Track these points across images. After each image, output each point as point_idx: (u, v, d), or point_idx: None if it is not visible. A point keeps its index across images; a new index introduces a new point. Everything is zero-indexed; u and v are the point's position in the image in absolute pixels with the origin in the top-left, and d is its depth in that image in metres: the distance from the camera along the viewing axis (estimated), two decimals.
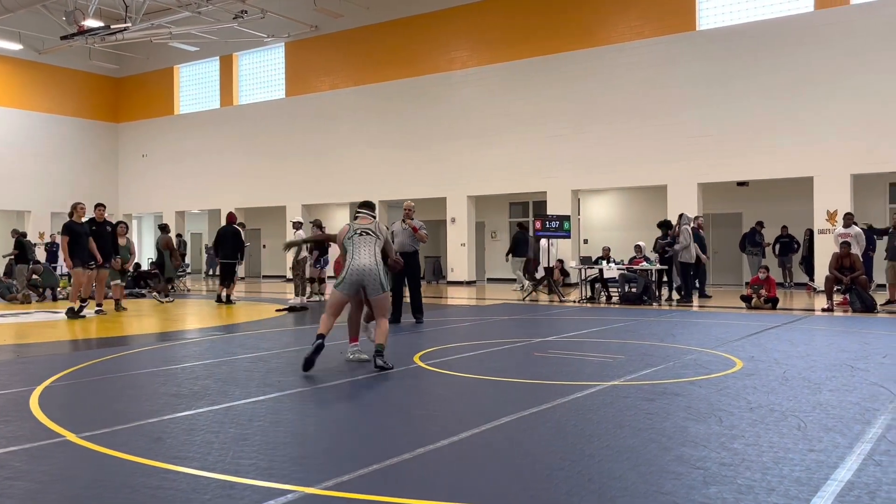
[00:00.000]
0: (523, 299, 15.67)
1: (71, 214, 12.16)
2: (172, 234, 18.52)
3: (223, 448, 3.87)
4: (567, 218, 16.74)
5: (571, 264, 18.60)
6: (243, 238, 15.25)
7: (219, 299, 14.80)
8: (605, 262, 15.03)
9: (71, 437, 4.12)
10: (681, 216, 14.73)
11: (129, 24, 21.77)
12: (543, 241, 16.84)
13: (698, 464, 3.55)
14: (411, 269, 10.57)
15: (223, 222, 21.33)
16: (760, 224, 18.81)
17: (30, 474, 3.45)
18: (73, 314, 11.64)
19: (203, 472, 3.46)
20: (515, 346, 8.06)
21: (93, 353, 7.73)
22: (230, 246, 14.83)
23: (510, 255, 18.84)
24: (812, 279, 17.47)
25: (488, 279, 24.06)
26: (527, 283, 17.87)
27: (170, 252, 16.47)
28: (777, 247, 18.79)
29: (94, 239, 12.20)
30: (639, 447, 3.87)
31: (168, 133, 28.93)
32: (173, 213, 28.47)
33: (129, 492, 3.19)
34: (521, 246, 18.37)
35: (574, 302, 14.76)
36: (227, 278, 14.82)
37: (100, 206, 12.78)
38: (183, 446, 3.94)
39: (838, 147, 16.81)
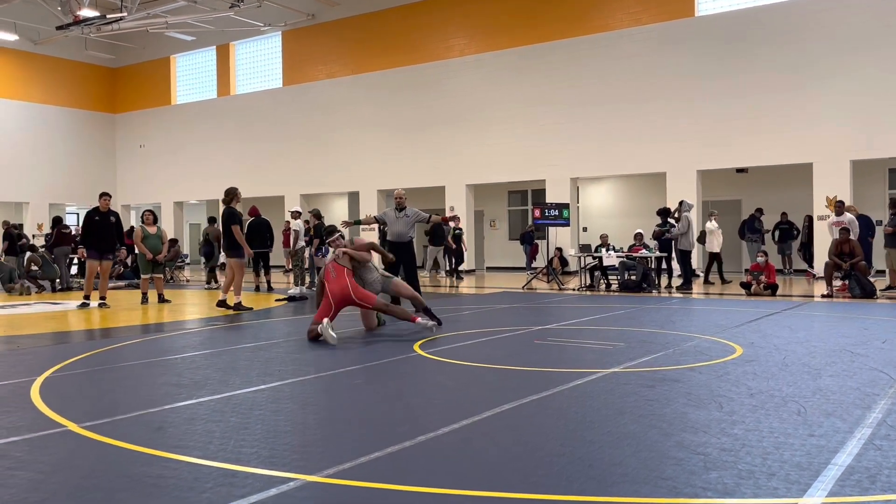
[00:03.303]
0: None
1: (230, 201, 11.43)
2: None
3: (224, 437, 3.88)
4: (566, 206, 16.72)
5: (570, 252, 18.61)
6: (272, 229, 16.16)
7: (257, 288, 15.38)
8: (604, 250, 15.02)
9: (72, 426, 4.12)
10: (681, 203, 14.72)
11: (125, 14, 21.66)
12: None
13: (699, 449, 3.55)
14: (407, 258, 10.52)
15: (221, 212, 21.37)
16: (760, 211, 18.81)
17: (31, 464, 3.46)
18: (239, 307, 11.13)
19: (204, 460, 3.46)
20: (515, 335, 8.07)
21: (94, 344, 7.73)
22: (261, 237, 15.50)
23: (428, 246, 20.33)
24: (811, 266, 17.49)
25: (488, 268, 24.08)
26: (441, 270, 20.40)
27: (217, 243, 17.05)
28: (776, 233, 18.80)
29: (98, 230, 11.93)
30: (639, 433, 3.87)
31: (165, 123, 28.84)
32: (171, 203, 28.43)
33: (131, 481, 3.19)
34: (438, 236, 19.67)
35: (573, 290, 14.77)
36: (265, 268, 15.61)
37: (105, 196, 12.24)
38: (184, 435, 3.94)
39: (838, 133, 16.78)
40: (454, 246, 19.47)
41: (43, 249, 17.59)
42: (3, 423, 4.23)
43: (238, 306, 11.22)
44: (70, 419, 4.27)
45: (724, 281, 15.58)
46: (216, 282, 17.05)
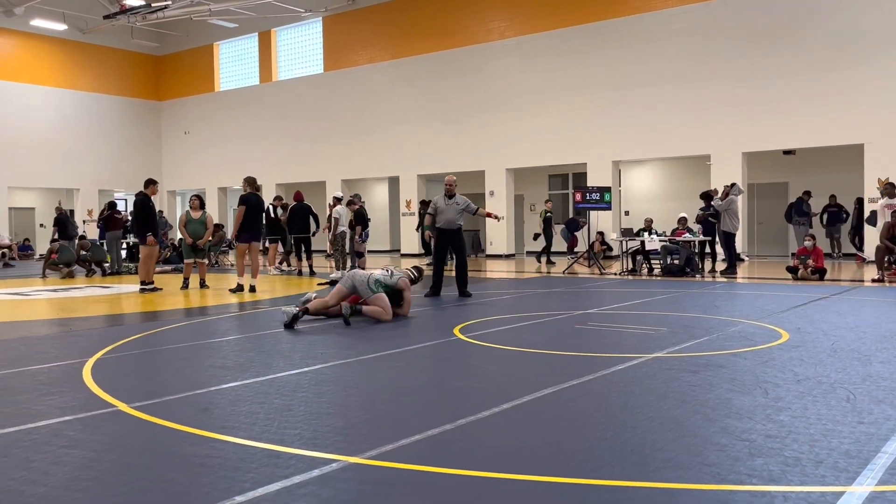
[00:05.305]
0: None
1: (257, 186, 11.89)
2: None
3: (268, 418, 3.95)
4: (608, 189, 16.53)
5: (612, 236, 18.42)
6: (316, 214, 16.30)
7: (299, 273, 15.66)
8: (646, 234, 14.84)
9: (123, 407, 4.24)
10: (732, 185, 14.43)
11: (170, 2, 21.98)
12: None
13: (743, 436, 3.50)
14: (457, 244, 10.58)
15: (265, 198, 21.53)
16: (808, 194, 18.35)
17: (84, 443, 3.57)
18: (239, 288, 11.65)
19: (250, 441, 3.53)
20: (556, 319, 8.03)
21: (141, 327, 7.92)
22: (304, 222, 15.69)
23: (420, 229, 20.12)
24: (861, 249, 17.03)
25: (527, 252, 23.97)
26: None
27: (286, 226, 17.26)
28: (825, 216, 18.33)
29: (148, 217, 12.13)
30: (682, 419, 3.83)
31: (209, 110, 29.26)
32: (215, 189, 28.88)
33: (180, 460, 3.28)
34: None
35: (615, 274, 14.63)
36: (306, 252, 15.85)
37: (156, 183, 12.56)
38: (229, 416, 4.03)
39: (890, 112, 16.24)
40: (540, 231, 18.95)
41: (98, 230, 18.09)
42: (57, 403, 4.37)
43: (238, 288, 11.70)
44: (120, 399, 4.39)
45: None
46: (289, 265, 17.13)
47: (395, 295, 8.27)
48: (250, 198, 11.73)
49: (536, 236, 19.07)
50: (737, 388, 4.50)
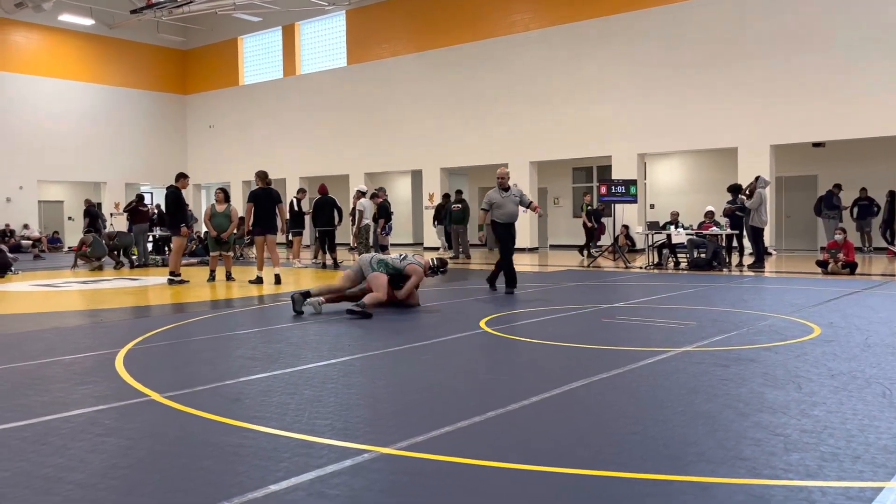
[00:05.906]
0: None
1: (268, 181, 12.25)
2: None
3: (299, 409, 3.98)
4: (633, 182, 16.40)
5: (638, 230, 18.28)
6: (341, 207, 16.25)
7: (324, 266, 15.75)
8: (672, 227, 14.70)
9: (156, 396, 4.29)
10: (757, 178, 14.24)
11: None
12: None
13: (778, 430, 3.46)
14: (512, 239, 10.32)
15: (289, 191, 21.51)
16: (838, 187, 18.06)
17: (120, 431, 3.62)
18: (258, 280, 12.10)
19: (281, 431, 3.56)
20: (582, 313, 7.99)
21: (170, 318, 8.01)
22: (328, 215, 15.78)
23: (435, 223, 20.71)
24: (893, 243, 16.75)
25: (551, 246, 23.89)
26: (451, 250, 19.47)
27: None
28: (855, 210, 18.04)
29: (179, 209, 12.44)
30: (714, 413, 3.79)
31: (233, 104, 29.45)
32: (240, 182, 29.09)
33: (213, 449, 3.31)
34: (447, 215, 19.65)
35: (640, 268, 14.52)
36: (330, 245, 15.86)
37: (187, 177, 12.99)
38: (260, 407, 4.06)
39: None
40: (589, 224, 18.75)
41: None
42: (91, 392, 4.44)
43: (258, 280, 12.12)
44: (153, 389, 4.45)
45: None
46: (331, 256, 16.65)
47: (402, 279, 8.29)
48: (257, 193, 12.15)
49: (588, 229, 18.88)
50: (769, 382, 4.45)
